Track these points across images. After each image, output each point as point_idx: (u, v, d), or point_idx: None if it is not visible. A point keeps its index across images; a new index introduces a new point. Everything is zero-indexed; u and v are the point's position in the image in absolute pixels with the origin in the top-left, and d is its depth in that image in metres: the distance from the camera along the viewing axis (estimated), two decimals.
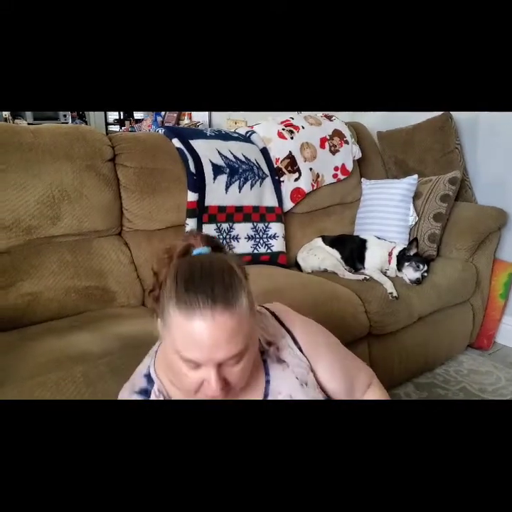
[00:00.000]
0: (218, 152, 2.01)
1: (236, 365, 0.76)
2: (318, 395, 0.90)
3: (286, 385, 0.87)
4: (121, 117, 6.17)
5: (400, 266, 2.02)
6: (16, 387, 1.13)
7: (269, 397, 0.86)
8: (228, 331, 0.72)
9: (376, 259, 2.08)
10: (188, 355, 0.73)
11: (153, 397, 0.85)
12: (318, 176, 2.34)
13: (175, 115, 4.11)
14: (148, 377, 0.88)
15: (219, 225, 1.99)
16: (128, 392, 0.88)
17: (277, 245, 2.16)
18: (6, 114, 4.88)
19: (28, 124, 4.77)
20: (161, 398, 0.84)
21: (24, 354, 1.27)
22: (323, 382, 0.93)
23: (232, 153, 2.05)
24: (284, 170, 2.24)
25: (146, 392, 0.86)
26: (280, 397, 0.86)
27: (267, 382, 0.87)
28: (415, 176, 2.28)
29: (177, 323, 0.73)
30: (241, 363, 0.76)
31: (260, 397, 0.86)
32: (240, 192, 2.04)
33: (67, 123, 5.46)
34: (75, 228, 1.65)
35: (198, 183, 1.91)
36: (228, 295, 0.73)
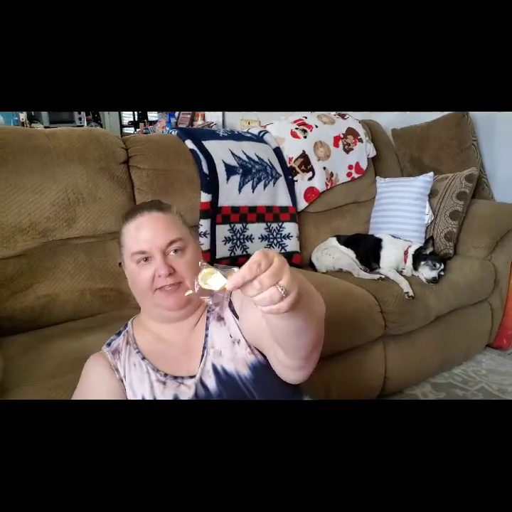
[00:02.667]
0: (231, 153, 2.01)
1: (180, 256, 0.93)
2: (247, 355, 0.93)
3: (219, 341, 0.96)
4: (136, 119, 6.22)
5: (416, 265, 1.99)
6: (34, 388, 1.15)
7: (205, 351, 0.95)
8: (163, 222, 0.94)
9: (392, 258, 2.05)
10: (136, 247, 0.92)
11: (121, 336, 1.02)
12: (332, 174, 2.33)
13: (188, 116, 4.13)
14: (125, 325, 1.05)
15: (232, 225, 1.99)
16: (101, 350, 1.01)
17: (291, 245, 2.16)
18: (23, 118, 4.95)
19: (45, 127, 4.83)
20: (126, 336, 1.01)
21: (41, 355, 1.29)
22: (246, 335, 0.95)
23: (245, 154, 2.05)
24: (297, 169, 2.23)
25: (118, 333, 1.04)
26: (212, 352, 0.95)
27: (206, 336, 0.97)
28: (431, 174, 2.25)
29: (125, 231, 0.96)
30: (185, 256, 0.94)
31: (200, 350, 0.95)
32: (253, 192, 2.04)
33: (82, 126, 5.52)
34: (90, 230, 1.66)
35: (211, 183, 1.91)
36: (161, 205, 0.98)
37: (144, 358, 0.96)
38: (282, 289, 0.56)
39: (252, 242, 2.06)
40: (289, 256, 2.15)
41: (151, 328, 1.01)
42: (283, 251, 2.14)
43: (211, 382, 0.92)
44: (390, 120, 2.71)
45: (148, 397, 0.91)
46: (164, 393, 0.91)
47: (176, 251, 0.93)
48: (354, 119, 2.49)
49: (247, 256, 2.03)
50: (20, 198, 1.54)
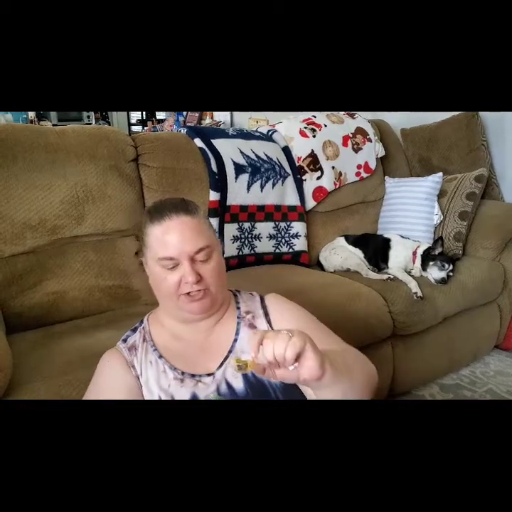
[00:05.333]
0: (240, 151, 2.01)
1: (206, 263, 0.92)
2: None
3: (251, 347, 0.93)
4: (144, 118, 6.24)
5: (424, 265, 1.98)
6: (43, 385, 1.15)
7: (232, 354, 0.95)
8: (191, 228, 0.91)
9: (400, 258, 2.04)
10: (164, 253, 0.90)
11: (137, 333, 1.01)
12: (340, 174, 2.32)
13: (196, 115, 4.13)
14: (141, 322, 1.04)
15: (241, 224, 1.99)
16: (116, 344, 1.00)
17: (299, 244, 2.15)
18: (31, 115, 4.98)
19: (53, 125, 4.85)
20: (142, 333, 1.00)
21: (50, 352, 1.30)
22: None
23: (254, 153, 2.04)
24: (306, 168, 2.22)
25: (134, 329, 1.02)
26: (243, 357, 0.91)
27: (235, 340, 0.97)
28: (440, 174, 2.24)
29: (152, 233, 0.92)
30: (211, 262, 0.93)
31: (225, 352, 0.96)
32: (261, 191, 2.04)
33: (90, 124, 5.53)
34: (99, 228, 1.67)
35: (219, 182, 1.91)
36: (189, 207, 0.94)
37: (160, 356, 0.96)
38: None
39: (260, 240, 2.05)
40: (296, 255, 2.14)
41: (168, 326, 1.00)
42: (291, 250, 2.13)
43: (237, 383, 0.92)
44: (399, 120, 2.70)
45: (164, 396, 0.91)
46: (181, 391, 0.91)
47: (203, 257, 0.92)
48: (363, 118, 2.49)
49: (256, 255, 2.03)
50: (30, 195, 1.55)
